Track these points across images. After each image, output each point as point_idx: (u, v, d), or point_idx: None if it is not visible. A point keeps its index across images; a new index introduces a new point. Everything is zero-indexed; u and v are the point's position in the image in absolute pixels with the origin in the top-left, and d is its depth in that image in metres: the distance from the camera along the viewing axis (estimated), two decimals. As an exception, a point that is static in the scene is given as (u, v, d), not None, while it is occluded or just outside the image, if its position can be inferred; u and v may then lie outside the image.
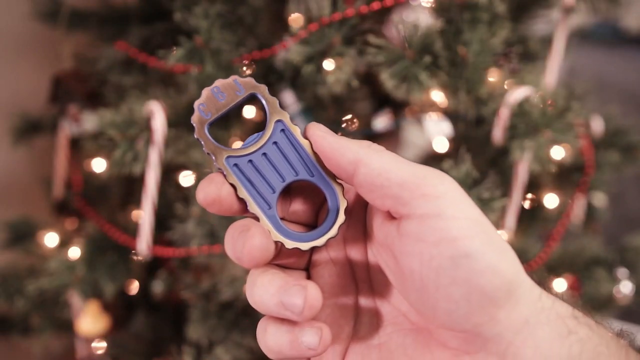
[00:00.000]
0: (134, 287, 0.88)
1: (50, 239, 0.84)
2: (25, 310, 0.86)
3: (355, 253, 0.31)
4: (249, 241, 0.26)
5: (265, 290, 0.26)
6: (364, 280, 0.31)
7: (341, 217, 0.29)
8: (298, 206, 0.31)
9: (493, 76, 0.70)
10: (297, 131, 0.29)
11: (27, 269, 0.85)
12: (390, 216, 0.28)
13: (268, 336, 0.27)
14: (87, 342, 0.89)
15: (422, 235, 0.25)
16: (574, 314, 0.26)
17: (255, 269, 0.28)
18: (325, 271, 0.30)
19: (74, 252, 0.76)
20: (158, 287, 0.84)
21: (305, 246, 0.29)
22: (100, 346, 0.89)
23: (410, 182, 0.26)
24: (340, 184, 0.29)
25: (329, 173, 0.29)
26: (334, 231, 0.29)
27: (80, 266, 0.74)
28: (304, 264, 0.31)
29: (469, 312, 0.25)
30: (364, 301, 0.31)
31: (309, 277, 0.31)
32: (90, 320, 0.86)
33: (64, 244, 0.83)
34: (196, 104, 0.29)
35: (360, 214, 0.31)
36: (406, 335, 0.29)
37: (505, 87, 0.68)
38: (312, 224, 0.31)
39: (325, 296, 0.29)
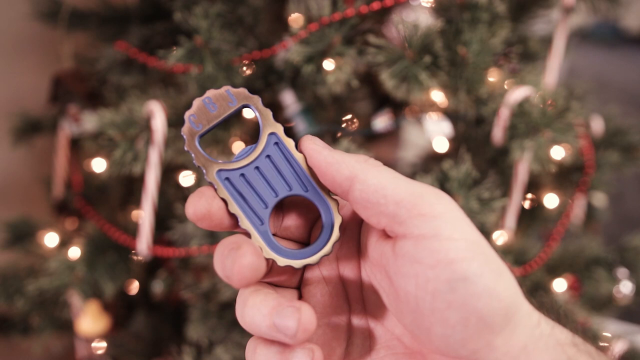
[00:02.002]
0: (134, 287, 0.88)
1: (50, 239, 0.84)
2: (25, 310, 0.86)
3: (348, 272, 0.30)
4: (239, 260, 0.25)
5: (257, 311, 0.25)
6: (357, 300, 0.30)
7: (335, 234, 0.28)
8: (291, 222, 0.30)
9: (493, 76, 0.70)
10: (291, 144, 0.29)
11: (27, 269, 0.85)
12: (386, 235, 0.27)
13: (257, 357, 0.26)
14: (87, 342, 0.89)
15: (418, 256, 0.24)
16: (574, 341, 0.25)
17: (246, 288, 0.27)
18: (317, 290, 0.29)
19: (74, 252, 0.76)
20: (158, 287, 0.84)
21: (298, 264, 0.28)
22: (100, 346, 0.89)
23: (407, 200, 0.25)
24: (335, 200, 0.29)
25: (323, 188, 0.28)
26: (327, 249, 0.28)
27: (80, 266, 0.74)
28: (296, 282, 0.30)
29: (465, 337, 0.24)
30: (357, 322, 0.30)
31: (300, 296, 0.30)
32: (90, 320, 0.86)
33: (64, 244, 0.83)
34: (187, 114, 0.28)
35: (355, 231, 0.30)
36: None
37: (505, 87, 0.68)
38: (305, 240, 0.30)
39: (317, 316, 0.28)
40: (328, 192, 0.29)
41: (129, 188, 0.90)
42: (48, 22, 0.86)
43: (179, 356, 0.73)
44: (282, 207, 0.30)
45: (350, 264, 0.30)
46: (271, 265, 0.28)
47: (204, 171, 0.28)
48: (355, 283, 0.30)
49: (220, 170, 0.28)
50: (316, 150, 0.28)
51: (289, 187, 0.29)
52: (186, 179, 0.76)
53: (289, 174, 0.29)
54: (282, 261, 0.28)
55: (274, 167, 0.29)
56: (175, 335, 0.86)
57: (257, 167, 0.28)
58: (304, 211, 0.30)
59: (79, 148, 0.91)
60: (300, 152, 0.28)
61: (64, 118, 0.87)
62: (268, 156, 0.29)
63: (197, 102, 0.28)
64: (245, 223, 0.28)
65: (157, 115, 0.64)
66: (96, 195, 0.90)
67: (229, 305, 0.76)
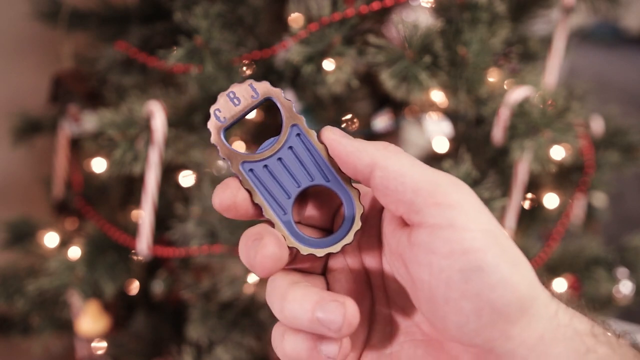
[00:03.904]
0: (134, 287, 0.88)
1: (50, 239, 0.84)
2: (25, 310, 0.86)
3: (370, 259, 0.30)
4: (262, 251, 0.26)
5: (299, 305, 0.25)
6: (379, 287, 0.30)
7: (357, 224, 0.29)
8: (314, 211, 0.30)
9: (493, 76, 0.70)
10: (312, 135, 0.29)
11: (27, 269, 0.85)
12: (404, 223, 0.27)
13: (286, 343, 0.26)
14: (87, 342, 0.89)
15: (432, 246, 0.25)
16: (593, 331, 0.25)
17: (282, 281, 0.27)
18: (341, 276, 0.30)
19: (74, 252, 0.76)
20: (158, 287, 0.84)
21: (320, 252, 0.29)
22: (100, 346, 0.89)
23: (424, 188, 0.25)
24: (357, 189, 0.29)
25: (345, 178, 0.29)
26: (349, 238, 0.29)
27: (80, 266, 0.74)
28: (320, 269, 0.31)
29: (479, 326, 0.24)
30: (379, 309, 0.30)
31: (326, 282, 0.31)
32: (90, 320, 0.86)
33: (64, 244, 0.83)
34: (212, 109, 0.29)
35: (376, 220, 0.30)
36: (417, 347, 0.28)
37: (505, 87, 0.68)
38: (328, 228, 0.31)
39: None
40: (349, 182, 0.29)
41: (129, 188, 0.90)
42: (48, 22, 0.86)
43: (179, 356, 0.73)
44: (305, 196, 0.30)
45: (372, 251, 0.30)
46: (295, 253, 0.29)
47: (229, 163, 0.29)
48: (377, 270, 0.30)
49: (244, 162, 0.29)
50: (336, 141, 0.28)
51: (311, 177, 0.29)
52: (186, 179, 0.76)
53: (310, 165, 0.29)
54: (304, 250, 0.28)
55: (296, 158, 0.29)
56: (175, 335, 0.86)
57: (280, 159, 0.29)
58: (326, 200, 0.30)
59: (79, 148, 0.91)
60: (322, 142, 0.29)
61: (64, 118, 0.87)
62: (290, 147, 0.29)
63: (221, 97, 0.29)
64: (269, 213, 0.28)
65: (157, 115, 0.64)
66: (96, 195, 0.90)
67: (229, 305, 0.76)
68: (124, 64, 0.81)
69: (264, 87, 0.29)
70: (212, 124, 0.29)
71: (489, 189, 0.57)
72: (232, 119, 0.29)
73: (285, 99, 0.29)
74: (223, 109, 0.29)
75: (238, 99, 0.29)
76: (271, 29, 0.74)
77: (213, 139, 0.29)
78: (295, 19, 0.66)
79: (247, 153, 0.29)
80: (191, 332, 0.74)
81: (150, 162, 0.65)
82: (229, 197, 0.28)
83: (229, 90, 0.29)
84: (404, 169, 0.26)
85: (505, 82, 0.69)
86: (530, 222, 0.84)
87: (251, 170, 0.29)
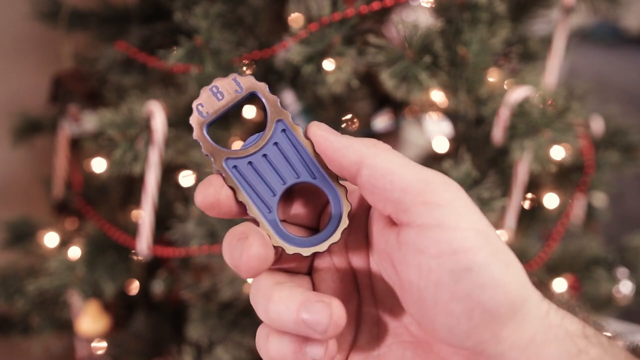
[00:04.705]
0: (134, 287, 0.88)
1: (50, 239, 0.84)
2: (25, 310, 0.86)
3: (357, 259, 0.30)
4: (246, 251, 0.25)
5: (284, 306, 0.25)
6: (367, 287, 0.30)
7: (344, 222, 0.28)
8: (299, 209, 0.29)
9: (493, 76, 0.70)
10: (298, 131, 0.28)
11: (27, 269, 0.85)
12: (392, 222, 0.26)
13: (270, 345, 0.26)
14: (87, 342, 0.89)
15: (421, 246, 0.24)
16: (584, 332, 0.24)
17: (267, 281, 0.26)
18: (328, 276, 0.29)
19: (74, 252, 0.76)
20: (158, 287, 0.84)
21: (306, 252, 0.28)
22: (100, 346, 0.89)
23: (413, 187, 0.25)
24: (344, 186, 0.28)
25: (331, 175, 0.28)
26: (336, 236, 0.28)
27: (80, 266, 0.74)
28: (306, 268, 0.30)
29: (470, 328, 0.23)
30: (366, 309, 0.29)
31: (312, 282, 0.30)
32: (90, 320, 0.86)
33: (64, 244, 0.83)
34: (194, 104, 0.28)
35: (364, 218, 0.30)
36: (406, 348, 0.28)
37: (505, 87, 0.68)
38: (315, 226, 0.30)
39: None
40: (336, 179, 0.28)
41: (129, 188, 0.90)
42: (48, 22, 0.86)
43: (179, 356, 0.73)
44: (291, 194, 0.29)
45: (359, 251, 0.30)
46: (281, 252, 0.28)
47: (212, 159, 0.28)
48: (365, 270, 0.30)
49: (228, 159, 0.28)
50: (323, 137, 0.27)
51: (297, 174, 0.28)
52: (186, 179, 0.76)
53: (296, 161, 0.28)
54: (290, 249, 0.27)
55: (282, 154, 0.28)
56: (175, 335, 0.86)
57: (264, 155, 0.28)
58: (313, 197, 0.29)
59: (79, 148, 0.91)
60: (308, 138, 0.28)
61: (64, 118, 0.87)
62: (276, 143, 0.28)
63: (204, 91, 0.28)
64: (253, 211, 0.28)
65: (157, 115, 0.64)
66: (96, 195, 0.90)
67: (229, 305, 0.76)
68: (124, 64, 0.81)
69: (248, 82, 0.28)
70: (194, 119, 0.28)
71: (489, 189, 0.57)
72: (215, 114, 0.28)
73: (270, 94, 0.28)
74: (206, 104, 0.28)
75: (222, 93, 0.28)
76: (271, 29, 0.74)
77: (195, 134, 0.28)
78: (295, 19, 0.66)
79: (230, 149, 0.28)
80: (191, 332, 0.75)
81: (150, 162, 0.65)
82: (211, 195, 0.27)
83: (212, 84, 0.28)
84: (393, 167, 0.25)
85: (505, 82, 0.69)
86: (530, 222, 0.84)
87: (235, 167, 0.28)
